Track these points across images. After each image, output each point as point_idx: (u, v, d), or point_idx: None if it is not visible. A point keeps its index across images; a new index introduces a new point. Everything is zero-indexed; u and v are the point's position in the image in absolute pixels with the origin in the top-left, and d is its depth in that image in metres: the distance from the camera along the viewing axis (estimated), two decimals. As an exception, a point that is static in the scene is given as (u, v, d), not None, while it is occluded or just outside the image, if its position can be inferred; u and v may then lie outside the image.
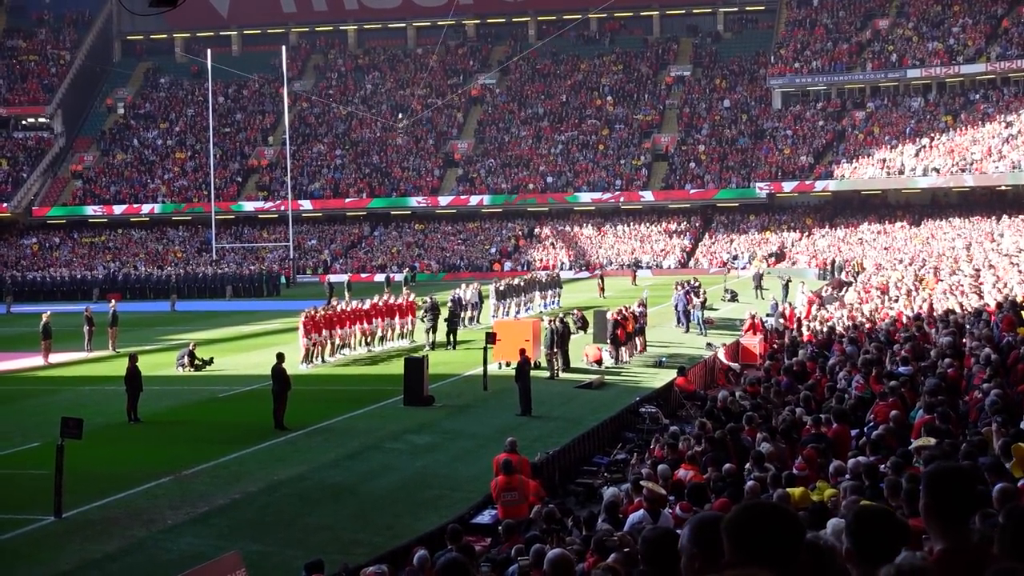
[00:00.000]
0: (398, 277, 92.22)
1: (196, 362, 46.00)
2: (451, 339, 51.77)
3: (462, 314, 56.21)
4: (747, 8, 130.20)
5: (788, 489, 16.12)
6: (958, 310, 39.65)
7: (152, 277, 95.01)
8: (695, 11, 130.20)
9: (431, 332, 51.25)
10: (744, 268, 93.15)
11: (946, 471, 6.06)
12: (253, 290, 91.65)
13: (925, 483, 6.00)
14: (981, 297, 43.22)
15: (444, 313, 52.65)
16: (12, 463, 29.82)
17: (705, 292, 58.85)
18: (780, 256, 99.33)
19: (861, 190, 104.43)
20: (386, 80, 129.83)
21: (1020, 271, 52.23)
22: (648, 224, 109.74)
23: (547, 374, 41.93)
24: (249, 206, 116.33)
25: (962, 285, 49.04)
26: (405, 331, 53.11)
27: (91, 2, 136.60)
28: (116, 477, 27.69)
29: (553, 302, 66.35)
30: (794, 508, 12.51)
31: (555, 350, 42.56)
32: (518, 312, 60.45)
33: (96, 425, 31.29)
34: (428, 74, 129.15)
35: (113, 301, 57.27)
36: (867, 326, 40.09)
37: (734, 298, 69.02)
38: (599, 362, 44.41)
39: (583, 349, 45.84)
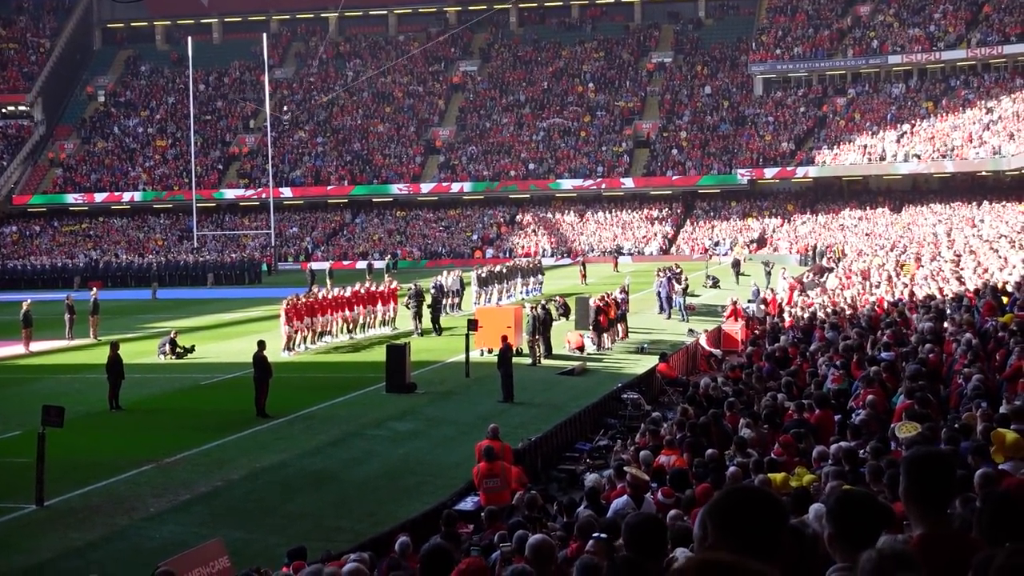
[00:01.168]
0: (379, 264, 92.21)
1: (178, 350, 45.94)
2: (436, 325, 51.80)
3: (444, 301, 56.18)
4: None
5: (770, 474, 16.15)
6: (938, 296, 39.74)
7: (133, 265, 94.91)
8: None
9: (417, 318, 51.32)
10: (726, 255, 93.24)
11: (926, 455, 6.07)
12: (234, 278, 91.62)
13: (905, 467, 6.01)
14: (962, 283, 43.32)
15: (427, 300, 52.71)
16: (-7, 451, 29.79)
17: (687, 279, 58.91)
18: (762, 242, 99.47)
19: (842, 176, 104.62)
20: (367, 68, 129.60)
21: (1000, 256, 52.36)
22: (630, 211, 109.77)
23: (529, 361, 41.97)
24: (230, 194, 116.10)
25: (943, 271, 49.16)
26: (387, 318, 53.05)
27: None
28: (98, 465, 27.65)
29: (535, 289, 66.35)
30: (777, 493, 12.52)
31: (537, 337, 42.61)
32: (500, 299, 60.46)
33: (77, 413, 31.27)
34: (409, 61, 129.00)
35: (94, 289, 57.10)
36: (848, 312, 40.18)
37: (715, 284, 69.15)
38: (581, 348, 44.45)
39: (565, 336, 45.89)
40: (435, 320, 52.03)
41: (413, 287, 52.41)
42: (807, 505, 11.87)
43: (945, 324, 30.48)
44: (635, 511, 14.65)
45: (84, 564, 20.99)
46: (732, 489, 5.12)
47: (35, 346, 49.52)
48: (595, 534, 12.15)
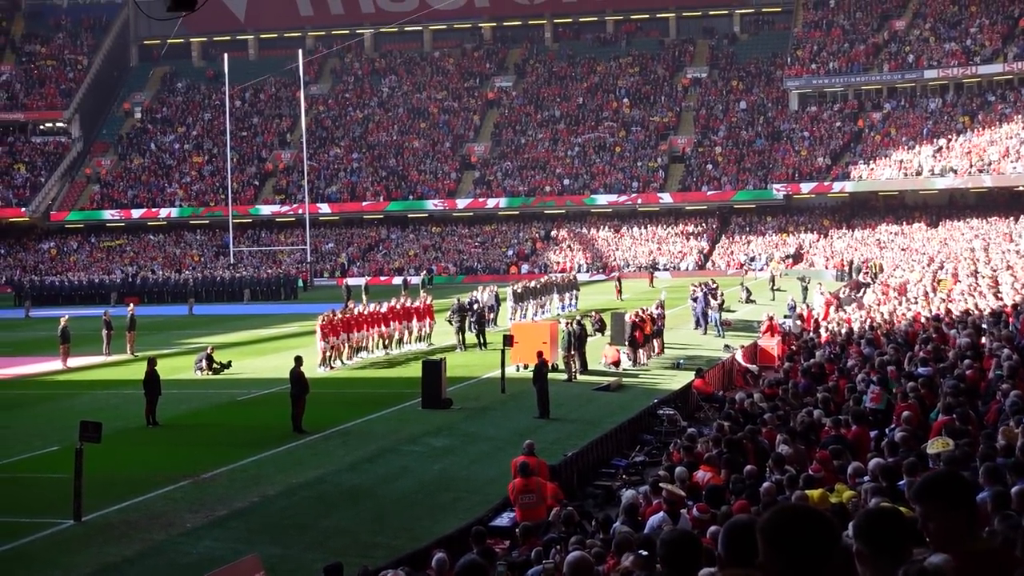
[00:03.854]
0: (415, 280, 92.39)
1: (214, 366, 46.08)
2: (481, 339, 51.81)
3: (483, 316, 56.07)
4: (763, 9, 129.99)
5: (807, 491, 16.08)
6: (975, 311, 39.51)
7: (170, 281, 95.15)
8: (711, 13, 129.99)
9: (460, 334, 51.38)
10: (761, 270, 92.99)
11: (935, 480, 5.99)
12: (271, 293, 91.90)
13: (914, 498, 5.94)
14: (999, 298, 43.08)
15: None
16: (31, 467, 29.91)
17: (723, 294, 58.79)
18: (797, 257, 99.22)
19: (878, 191, 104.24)
20: (403, 83, 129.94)
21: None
22: (665, 226, 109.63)
23: (564, 376, 41.94)
24: (266, 210, 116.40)
25: (980, 286, 48.90)
26: (422, 334, 53.09)
27: (108, 7, 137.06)
28: (135, 481, 27.75)
29: (570, 304, 66.33)
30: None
31: (572, 352, 42.57)
32: (535, 314, 60.45)
33: (115, 429, 31.39)
34: (444, 77, 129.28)
35: (131, 305, 57.31)
36: (885, 327, 39.99)
37: (750, 299, 68.90)
38: (617, 364, 44.36)
39: (601, 350, 45.81)
40: (480, 334, 52.04)
41: (456, 303, 52.52)
42: (846, 522, 11.82)
43: (983, 340, 30.32)
44: (671, 527, 14.63)
45: (121, 579, 21.09)
46: (784, 507, 5.11)
47: (72, 362, 49.74)
48: (638, 551, 12.13)
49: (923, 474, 6.36)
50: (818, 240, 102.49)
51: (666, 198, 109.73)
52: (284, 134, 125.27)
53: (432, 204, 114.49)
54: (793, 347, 42.29)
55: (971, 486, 6.22)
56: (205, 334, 59.74)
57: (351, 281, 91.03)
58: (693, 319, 56.77)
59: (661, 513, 16.89)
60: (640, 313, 46.82)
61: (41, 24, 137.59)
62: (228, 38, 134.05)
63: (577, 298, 68.03)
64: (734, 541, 5.55)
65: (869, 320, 43.69)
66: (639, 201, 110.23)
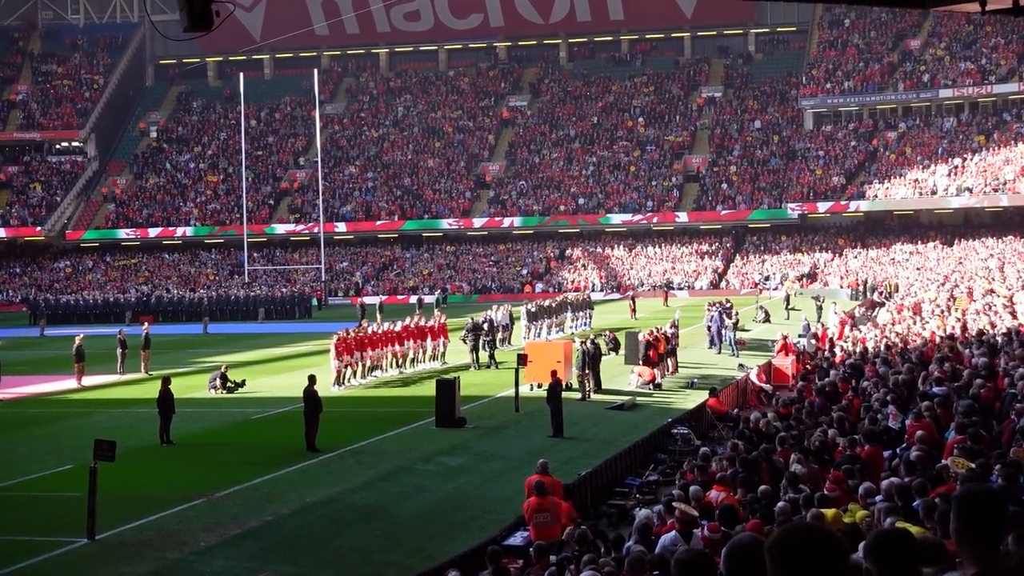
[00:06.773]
0: (430, 299, 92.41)
1: (228, 384, 46.06)
2: (491, 359, 51.82)
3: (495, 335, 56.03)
4: (778, 29, 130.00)
5: (822, 510, 16.03)
6: (990, 330, 39.40)
7: (184, 300, 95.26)
8: (726, 32, 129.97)
9: (475, 352, 51.39)
10: (776, 289, 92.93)
11: (977, 493, 6.01)
12: (285, 312, 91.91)
13: (955, 506, 5.95)
14: (1015, 317, 42.99)
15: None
16: (46, 485, 29.94)
17: (737, 313, 58.75)
18: (812, 277, 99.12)
19: (893, 210, 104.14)
20: (417, 103, 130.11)
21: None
22: (680, 245, 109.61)
23: (579, 395, 41.92)
24: (281, 229, 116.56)
25: (995, 306, 48.79)
26: (437, 353, 53.08)
27: (124, 26, 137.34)
28: (149, 499, 27.76)
29: (584, 323, 66.33)
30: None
31: (587, 371, 42.54)
32: (549, 333, 60.43)
33: (129, 447, 31.41)
34: (459, 96, 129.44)
35: (146, 324, 57.42)
36: (899, 346, 39.90)
37: (767, 318, 68.85)
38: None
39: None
40: (491, 354, 52.05)
41: (470, 321, 52.53)
42: (858, 542, 11.78)
43: (998, 359, 30.25)
44: (682, 546, 14.61)
45: (135, 598, 21.08)
46: (792, 526, 5.10)
47: (87, 380, 49.77)
48: (653, 572, 12.12)
49: (965, 488, 6.34)
50: (833, 259, 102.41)
51: (681, 217, 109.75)
52: (299, 153, 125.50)
53: (447, 223, 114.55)
54: (807, 366, 42.21)
55: (1007, 504, 6.21)
56: (219, 353, 59.86)
57: (366, 300, 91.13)
58: (707, 338, 56.78)
59: (673, 532, 16.87)
60: (654, 332, 46.82)
61: (58, 44, 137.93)
62: (244, 57, 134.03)
63: (591, 317, 68.02)
64: (737, 562, 5.54)
65: (884, 339, 43.59)
66: (654, 220, 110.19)
